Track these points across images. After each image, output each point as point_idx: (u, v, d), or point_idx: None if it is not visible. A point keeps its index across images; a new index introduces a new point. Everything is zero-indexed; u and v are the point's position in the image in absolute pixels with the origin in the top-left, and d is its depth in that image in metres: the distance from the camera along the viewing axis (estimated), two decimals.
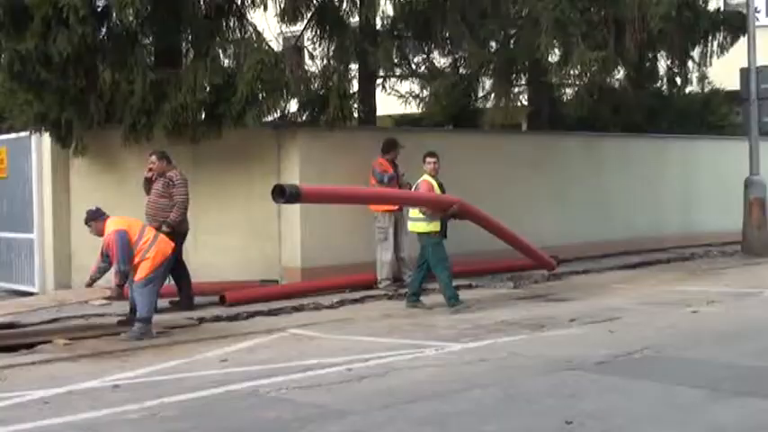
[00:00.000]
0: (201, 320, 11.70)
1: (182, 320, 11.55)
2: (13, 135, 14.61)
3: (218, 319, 11.91)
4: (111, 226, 10.57)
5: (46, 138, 13.60)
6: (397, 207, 13.90)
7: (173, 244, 11.17)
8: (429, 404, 7.33)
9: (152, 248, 10.65)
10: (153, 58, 13.85)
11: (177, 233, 12.06)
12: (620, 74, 18.68)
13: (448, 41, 16.18)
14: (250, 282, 13.54)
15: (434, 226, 12.44)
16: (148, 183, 12.49)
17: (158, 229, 11.61)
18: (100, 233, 10.65)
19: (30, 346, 10.18)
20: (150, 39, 13.86)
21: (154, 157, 12.47)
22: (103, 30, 13.26)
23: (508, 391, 7.63)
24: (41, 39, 12.30)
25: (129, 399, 7.74)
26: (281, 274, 14.14)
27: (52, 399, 7.90)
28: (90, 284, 10.74)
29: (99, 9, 13.10)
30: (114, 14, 12.87)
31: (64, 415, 7.30)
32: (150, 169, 12.44)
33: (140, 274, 10.59)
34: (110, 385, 8.35)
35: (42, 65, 12.29)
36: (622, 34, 15.22)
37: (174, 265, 11.82)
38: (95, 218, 10.76)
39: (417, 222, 12.59)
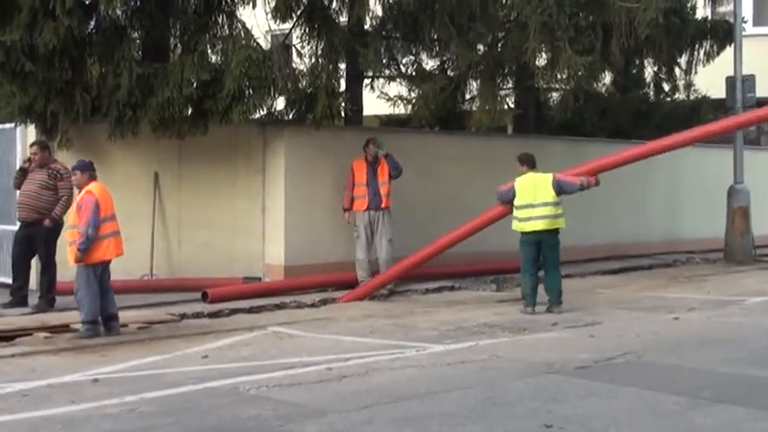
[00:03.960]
0: (183, 316, 11.68)
1: (163, 316, 11.53)
2: None
3: (199, 315, 11.89)
4: (93, 187, 10.46)
5: (31, 129, 13.53)
6: (365, 206, 13.96)
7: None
8: (409, 405, 7.32)
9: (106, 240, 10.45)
10: (140, 53, 13.80)
11: (57, 228, 11.87)
12: (606, 79, 18.74)
13: (436, 43, 16.16)
14: (233, 279, 13.52)
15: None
16: (23, 173, 12.21)
17: (41, 222, 11.52)
18: (80, 187, 10.55)
19: (9, 339, 10.15)
20: (138, 33, 13.80)
21: (35, 148, 12.27)
22: (91, 23, 13.21)
23: (489, 394, 7.63)
24: (27, 30, 12.24)
25: (108, 393, 7.72)
26: (264, 271, 14.13)
27: (31, 391, 7.88)
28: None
29: (87, 2, 13.04)
30: (102, 7, 12.81)
31: (43, 408, 7.28)
32: (29, 160, 12.24)
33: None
34: (90, 379, 8.34)
35: (28, 56, 12.22)
36: (609, 39, 15.27)
37: (48, 261, 11.70)
38: (83, 169, 10.66)
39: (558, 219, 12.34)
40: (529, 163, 12.56)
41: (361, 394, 7.66)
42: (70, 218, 10.71)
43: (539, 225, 12.20)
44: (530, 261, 12.27)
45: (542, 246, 12.28)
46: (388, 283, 13.65)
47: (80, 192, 10.59)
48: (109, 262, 10.62)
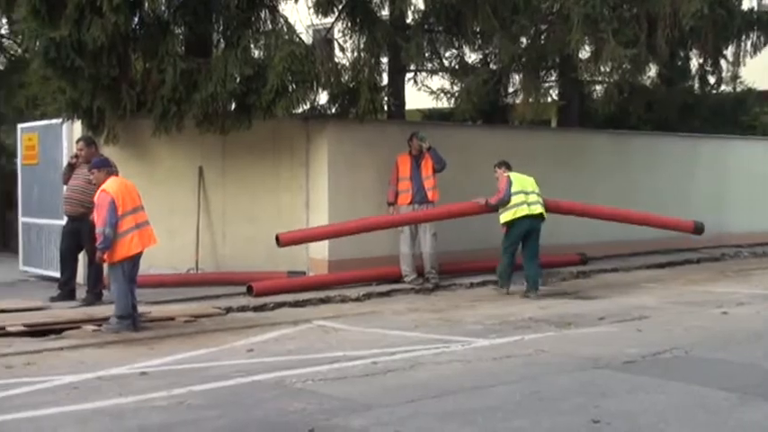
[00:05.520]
0: (228, 310, 11.74)
1: (209, 309, 11.60)
2: (44, 122, 14.69)
3: (244, 309, 11.95)
4: (107, 185, 10.43)
5: (77, 125, 13.65)
6: (409, 200, 14.02)
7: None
8: (455, 399, 7.31)
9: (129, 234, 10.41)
10: (184, 48, 13.87)
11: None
12: (651, 71, 18.56)
13: (479, 36, 16.10)
14: (277, 273, 13.56)
15: None
16: (71, 169, 12.36)
17: (87, 216, 11.55)
18: (99, 184, 10.54)
19: (59, 332, 10.26)
20: (182, 28, 13.85)
21: (82, 143, 12.42)
22: (136, 18, 13.28)
23: (534, 388, 7.60)
24: (75, 26, 12.32)
25: (156, 386, 7.77)
26: (309, 265, 14.16)
27: (81, 384, 7.95)
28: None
29: None
30: (147, 3, 12.89)
31: (92, 401, 7.34)
32: (77, 156, 12.37)
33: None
34: (137, 372, 8.40)
35: (76, 52, 12.31)
36: (654, 31, 15.12)
37: (94, 256, 11.63)
38: (100, 167, 10.71)
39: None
40: (507, 165, 13.85)
41: (407, 388, 7.66)
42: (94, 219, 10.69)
43: (538, 209, 13.41)
44: (515, 246, 13.49)
45: (530, 234, 13.44)
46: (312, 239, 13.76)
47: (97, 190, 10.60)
48: (138, 256, 10.55)
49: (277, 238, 12.74)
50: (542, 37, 16.31)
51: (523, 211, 13.34)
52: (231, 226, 14.05)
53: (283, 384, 7.83)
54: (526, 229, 13.38)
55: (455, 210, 13.92)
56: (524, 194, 13.41)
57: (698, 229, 15.49)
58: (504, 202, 13.41)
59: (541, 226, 13.51)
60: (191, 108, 13.03)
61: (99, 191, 10.40)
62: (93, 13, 12.28)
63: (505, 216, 13.41)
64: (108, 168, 10.66)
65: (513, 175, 13.58)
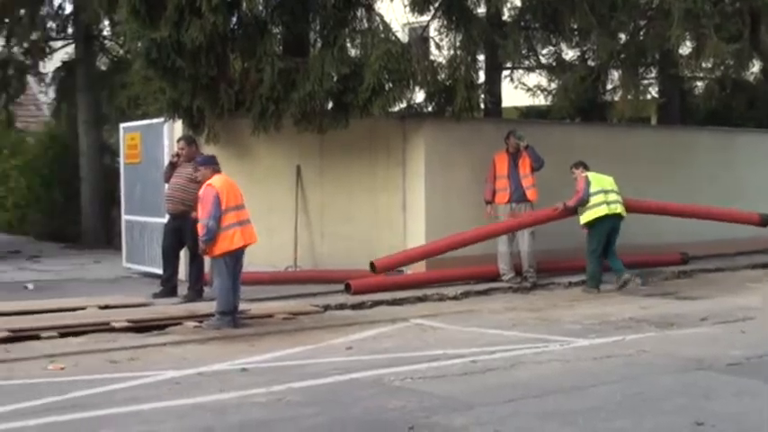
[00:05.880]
0: (327, 308, 11.80)
1: (307, 307, 11.68)
2: (146, 122, 14.98)
3: (342, 307, 12.00)
4: (213, 180, 10.59)
5: (178, 125, 13.88)
6: (507, 199, 13.96)
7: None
8: (555, 399, 7.24)
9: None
10: (281, 47, 13.99)
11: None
12: (754, 67, 18.10)
13: (576, 33, 15.92)
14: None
15: None
16: (172, 167, 12.53)
17: (189, 214, 11.76)
18: (204, 181, 10.70)
19: (161, 328, 10.44)
20: (279, 28, 13.98)
21: (182, 142, 12.59)
22: (234, 19, 13.45)
23: (636, 389, 7.47)
24: (175, 27, 12.53)
25: (256, 382, 7.84)
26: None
27: (183, 380, 8.06)
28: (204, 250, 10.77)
29: None
30: (244, 4, 13.06)
31: (194, 396, 7.44)
32: (178, 154, 12.54)
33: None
34: (238, 368, 8.48)
35: (176, 53, 12.52)
36: (758, 26, 14.75)
37: (196, 253, 11.73)
38: (206, 164, 10.85)
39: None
40: (584, 165, 13.81)
41: (507, 387, 7.61)
42: (198, 212, 10.87)
43: (618, 208, 13.45)
44: (601, 248, 13.41)
45: (611, 233, 13.46)
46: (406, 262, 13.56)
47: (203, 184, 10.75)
48: (240, 252, 10.64)
49: (372, 266, 12.74)
50: (641, 33, 16.04)
51: (603, 210, 13.30)
52: (329, 225, 14.13)
53: (382, 382, 7.84)
54: (608, 228, 13.36)
55: (542, 216, 13.83)
56: (604, 194, 13.41)
57: (765, 221, 15.25)
58: (584, 203, 13.32)
59: (621, 223, 13.56)
60: (288, 107, 13.15)
61: (204, 185, 10.56)
62: (192, 13, 12.47)
63: (586, 216, 13.37)
64: (213, 166, 10.80)
65: (592, 175, 13.54)
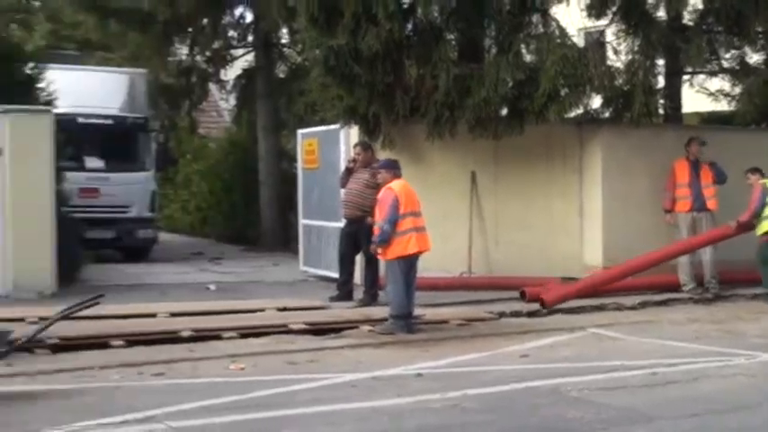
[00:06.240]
0: (501, 315, 11.75)
1: (482, 313, 11.66)
2: (323, 127, 15.25)
3: (517, 314, 11.92)
4: (394, 184, 10.67)
5: (354, 131, 14.09)
6: (689, 207, 13.58)
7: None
8: (740, 415, 7.00)
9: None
10: (456, 53, 14.02)
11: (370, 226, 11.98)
12: None
13: (761, 36, 15.35)
14: (550, 279, 13.41)
15: None
16: (348, 173, 12.63)
17: (365, 219, 11.82)
18: (384, 184, 10.80)
19: (338, 331, 10.61)
20: (454, 34, 14.02)
21: (359, 148, 12.69)
22: (409, 26, 13.57)
23: None
24: (352, 35, 12.74)
25: (431, 388, 7.86)
26: (582, 272, 13.91)
27: (359, 383, 8.16)
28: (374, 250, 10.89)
29: (405, 5, 13.43)
30: (420, 10, 13.15)
31: (370, 399, 7.51)
32: (355, 160, 12.62)
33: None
34: (413, 373, 8.52)
35: (353, 60, 12.73)
36: None
37: (371, 257, 11.77)
38: (388, 168, 10.93)
39: None
40: (760, 172, 13.25)
41: (689, 401, 7.40)
42: (375, 214, 10.97)
43: None
44: None
45: None
46: (576, 295, 12.77)
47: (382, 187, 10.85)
48: (414, 258, 10.69)
49: (542, 302, 12.41)
50: None
51: None
52: (504, 231, 14.05)
53: (558, 392, 7.73)
54: None
55: (717, 236, 13.40)
56: None
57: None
58: (756, 215, 12.84)
59: None
60: (463, 113, 13.17)
61: (384, 188, 10.67)
62: (369, 21, 12.67)
63: (763, 227, 12.86)
64: (395, 170, 10.90)
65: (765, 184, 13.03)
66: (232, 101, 23.61)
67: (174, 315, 11.08)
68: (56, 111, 13.85)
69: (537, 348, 9.82)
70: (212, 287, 14.17)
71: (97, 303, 8.59)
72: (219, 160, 22.94)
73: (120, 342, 9.67)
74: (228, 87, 22.78)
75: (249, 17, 21.14)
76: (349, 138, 14.21)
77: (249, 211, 21.13)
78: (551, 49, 13.18)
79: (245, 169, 21.44)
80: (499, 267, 13.85)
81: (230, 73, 22.41)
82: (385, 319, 10.66)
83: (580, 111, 14.03)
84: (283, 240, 19.71)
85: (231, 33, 21.32)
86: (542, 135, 13.87)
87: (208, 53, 21.19)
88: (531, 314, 11.93)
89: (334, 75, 12.98)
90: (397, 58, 13.27)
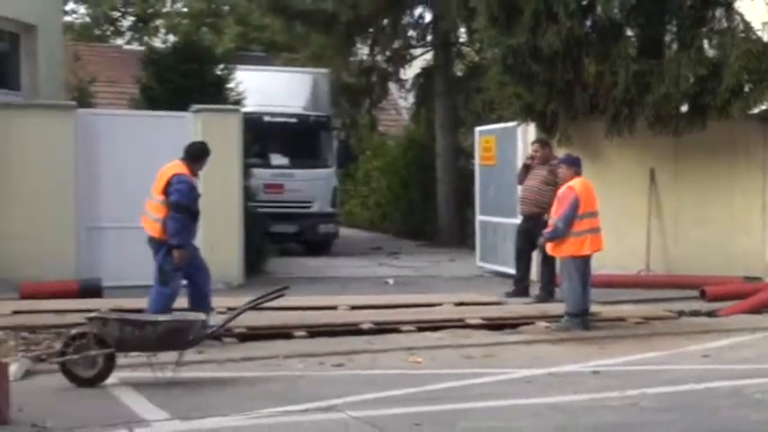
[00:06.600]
0: (680, 314, 11.58)
1: (660, 312, 11.53)
2: (500, 125, 15.35)
3: (696, 313, 11.73)
4: (575, 183, 10.64)
5: (531, 128, 14.13)
6: None
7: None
8: None
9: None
10: (636, 50, 13.86)
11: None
12: None
13: None
14: (731, 277, 13.11)
15: None
16: (526, 170, 12.65)
17: (541, 216, 11.80)
18: (563, 180, 10.82)
19: (513, 327, 10.71)
20: (634, 30, 13.87)
21: (537, 145, 12.70)
22: (588, 23, 13.51)
23: None
24: (531, 33, 12.80)
25: (608, 386, 7.87)
26: (765, 271, 13.53)
27: (535, 379, 8.24)
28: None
29: (584, 3, 13.37)
30: (599, 7, 13.07)
31: (546, 395, 7.59)
32: (532, 157, 12.61)
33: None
34: (589, 371, 8.54)
35: (532, 58, 12.79)
36: None
37: (547, 254, 11.57)
38: (570, 164, 10.92)
39: None
40: None
41: None
42: (552, 210, 10.95)
43: None
44: None
45: None
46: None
47: (562, 185, 10.84)
48: (588, 257, 10.67)
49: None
50: None
51: None
52: (683, 228, 13.82)
53: (740, 393, 7.61)
54: None
55: None
56: None
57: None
58: None
59: None
60: (643, 110, 13.02)
61: (565, 186, 10.69)
62: (549, 19, 12.69)
63: None
64: (576, 168, 10.88)
65: None
66: (411, 99, 24.01)
67: (354, 308, 11.43)
68: (244, 110, 14.48)
69: (717, 349, 9.65)
70: (390, 281, 14.50)
71: (282, 295, 8.92)
72: (398, 157, 23.34)
73: (303, 333, 10.07)
74: (407, 86, 23.19)
75: (428, 17, 21.44)
76: (526, 135, 14.27)
77: (426, 207, 21.44)
78: (735, 43, 12.87)
79: (422, 166, 21.76)
80: (678, 265, 13.63)
81: (409, 72, 22.78)
82: (561, 316, 10.68)
83: (764, 106, 13.63)
84: (460, 236, 19.90)
85: (411, 33, 21.66)
86: (724, 131, 13.53)
87: (388, 53, 21.63)
88: (710, 314, 11.70)
89: (513, 73, 13.09)
90: (577, 56, 13.24)
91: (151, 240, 9.58)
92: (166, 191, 9.37)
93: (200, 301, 9.54)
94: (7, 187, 12.62)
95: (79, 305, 10.78)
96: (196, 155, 9.77)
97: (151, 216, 9.55)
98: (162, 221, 9.39)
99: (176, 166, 9.57)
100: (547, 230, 10.70)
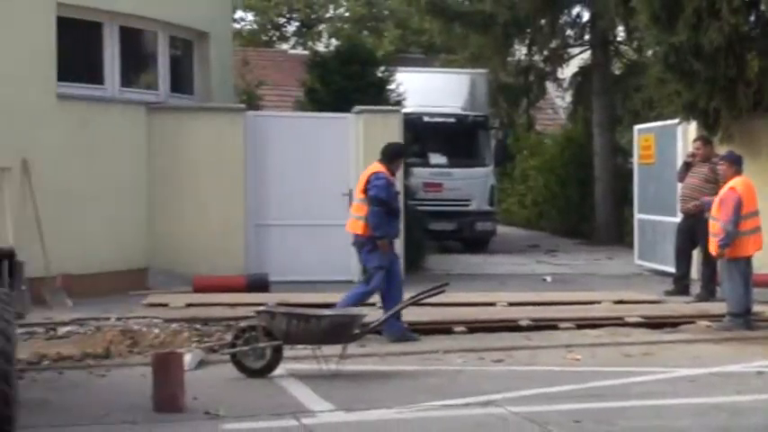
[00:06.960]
0: None
1: None
2: (660, 123, 15.20)
3: None
4: (737, 183, 10.52)
5: (692, 126, 13.95)
6: None
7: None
8: None
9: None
10: None
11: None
12: None
13: None
14: None
15: None
16: (687, 168, 12.52)
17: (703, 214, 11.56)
18: (724, 178, 10.72)
19: (673, 326, 10.65)
20: None
21: (699, 143, 12.53)
22: (752, 18, 13.27)
23: None
24: (693, 31, 12.67)
25: None
26: None
27: (697, 378, 8.19)
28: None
29: None
30: (763, 4, 12.83)
31: (709, 395, 7.55)
32: (694, 155, 12.44)
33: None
34: (753, 371, 8.43)
35: (693, 56, 12.66)
36: None
37: (709, 253, 11.33)
38: (731, 162, 10.78)
39: None
40: None
41: None
42: (712, 209, 10.81)
43: None
44: None
45: None
46: None
47: (724, 185, 10.70)
48: (750, 257, 10.52)
49: None
50: None
51: None
52: None
53: None
54: None
55: None
56: None
57: None
58: None
59: None
60: None
61: (727, 187, 10.58)
62: (711, 16, 12.53)
63: None
64: (738, 166, 10.74)
65: None
66: (568, 98, 23.95)
67: (512, 304, 11.56)
68: (404, 110, 14.78)
69: None
70: (548, 278, 14.57)
71: (443, 291, 9.13)
72: (555, 156, 23.28)
73: (463, 328, 10.26)
74: (565, 85, 23.14)
75: (586, 16, 21.35)
76: (686, 133, 14.09)
77: (584, 205, 21.35)
78: None
79: (580, 165, 21.67)
80: None
81: (566, 71, 22.72)
82: (722, 316, 10.56)
83: None
84: (617, 234, 19.74)
85: (568, 32, 21.61)
86: None
87: (545, 52, 21.65)
88: None
89: (674, 71, 12.99)
90: (739, 52, 13.02)
91: (355, 239, 9.99)
92: (366, 189, 9.76)
93: (390, 304, 9.71)
94: (181, 187, 13.27)
95: (248, 299, 11.29)
96: (392, 155, 10.15)
97: (354, 216, 9.96)
98: (364, 218, 9.75)
99: (375, 167, 9.97)
100: (719, 238, 10.48)
